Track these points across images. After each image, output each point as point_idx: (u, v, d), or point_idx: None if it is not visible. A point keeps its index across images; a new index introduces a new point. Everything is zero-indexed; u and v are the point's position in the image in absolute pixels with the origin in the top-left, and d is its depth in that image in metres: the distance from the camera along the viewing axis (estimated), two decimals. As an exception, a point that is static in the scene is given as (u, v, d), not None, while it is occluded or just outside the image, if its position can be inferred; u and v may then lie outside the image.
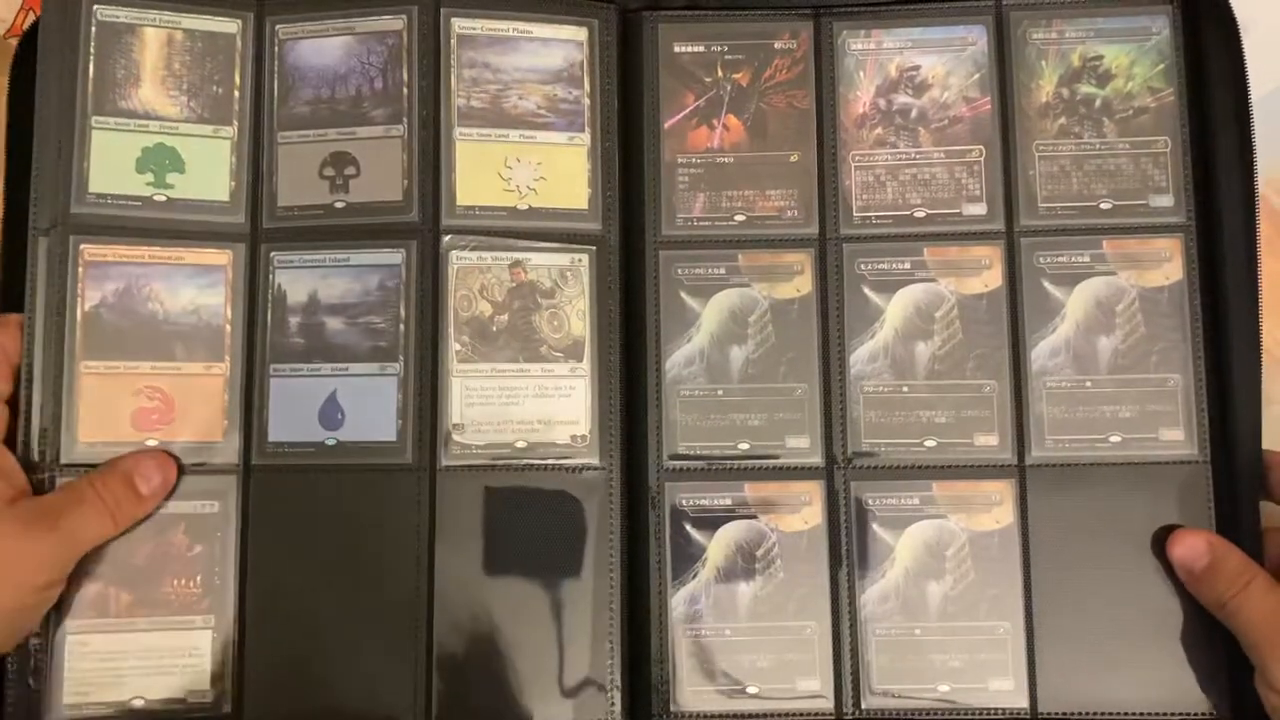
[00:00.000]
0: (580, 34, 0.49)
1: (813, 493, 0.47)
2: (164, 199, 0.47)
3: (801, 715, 0.45)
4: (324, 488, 0.46)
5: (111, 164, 0.47)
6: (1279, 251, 0.51)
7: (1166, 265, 0.47)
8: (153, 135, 0.48)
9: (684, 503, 0.47)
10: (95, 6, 0.48)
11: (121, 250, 0.47)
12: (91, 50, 0.48)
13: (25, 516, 0.42)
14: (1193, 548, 0.45)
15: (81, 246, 0.46)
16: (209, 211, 0.47)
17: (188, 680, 0.45)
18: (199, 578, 0.46)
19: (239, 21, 0.49)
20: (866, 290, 0.48)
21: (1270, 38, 0.49)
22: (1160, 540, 0.45)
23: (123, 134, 0.48)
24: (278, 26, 0.49)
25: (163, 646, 0.45)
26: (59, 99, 0.47)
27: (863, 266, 0.48)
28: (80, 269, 0.46)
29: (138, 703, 0.45)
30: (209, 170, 0.48)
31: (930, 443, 0.47)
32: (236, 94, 0.48)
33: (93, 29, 0.48)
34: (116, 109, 0.48)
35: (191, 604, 0.46)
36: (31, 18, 0.55)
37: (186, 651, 0.45)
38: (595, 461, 0.47)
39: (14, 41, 0.49)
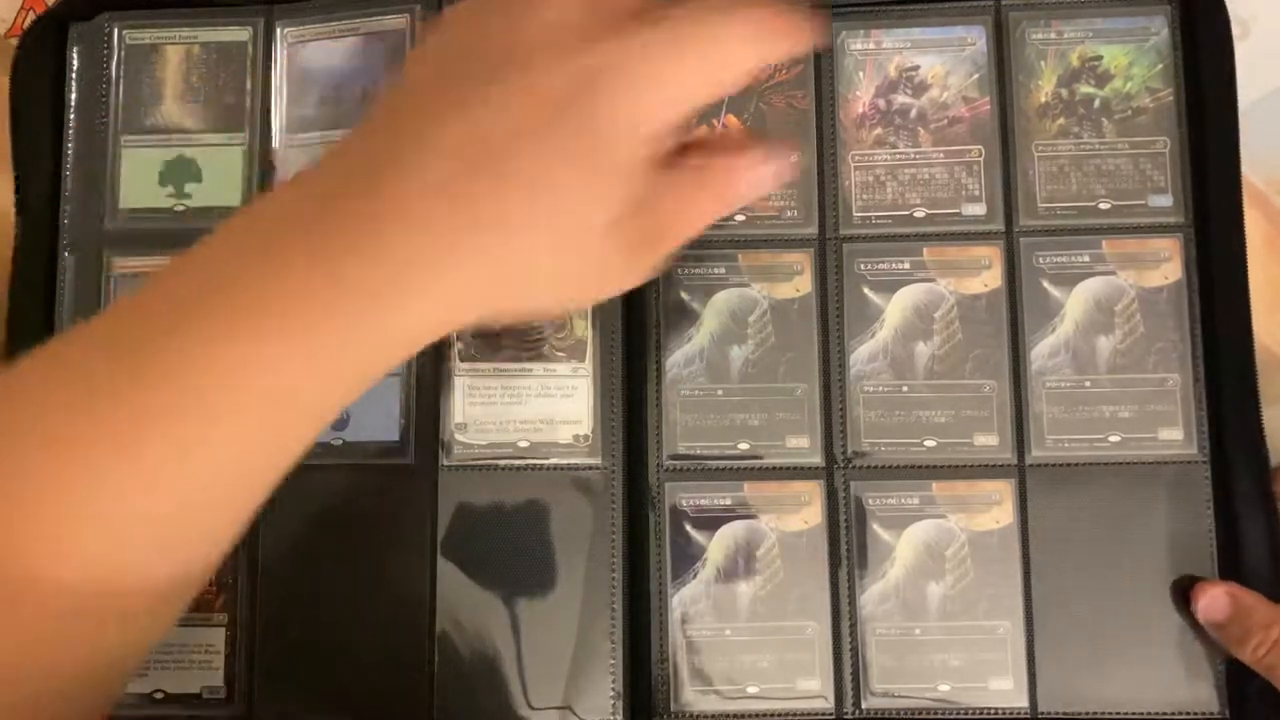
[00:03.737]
0: (581, 33, 0.49)
1: (812, 493, 0.47)
2: (183, 209, 0.48)
3: (801, 715, 0.46)
4: (331, 488, 0.46)
5: (138, 180, 0.49)
6: (1279, 251, 0.51)
7: (1165, 265, 0.47)
8: (174, 148, 0.49)
9: (684, 503, 0.47)
10: (125, 31, 0.49)
11: (147, 262, 0.48)
12: (122, 74, 0.49)
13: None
14: (1212, 600, 0.44)
15: (114, 261, 0.48)
16: (222, 218, 0.48)
17: (204, 675, 0.46)
18: (215, 575, 0.46)
19: (250, 29, 0.49)
20: (866, 290, 0.48)
21: (1270, 38, 0.49)
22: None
23: (148, 150, 0.49)
24: (286, 30, 0.49)
25: (182, 642, 0.46)
26: (88, 122, 0.49)
27: (862, 266, 0.48)
28: (112, 283, 0.48)
29: (158, 695, 0.46)
30: (223, 178, 0.49)
31: (930, 442, 0.47)
32: (248, 101, 0.49)
33: (122, 53, 0.49)
34: (142, 126, 0.49)
35: (208, 601, 0.46)
36: (32, 17, 0.55)
37: (204, 648, 0.46)
38: (597, 461, 0.47)
39: (14, 41, 0.50)
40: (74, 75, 0.49)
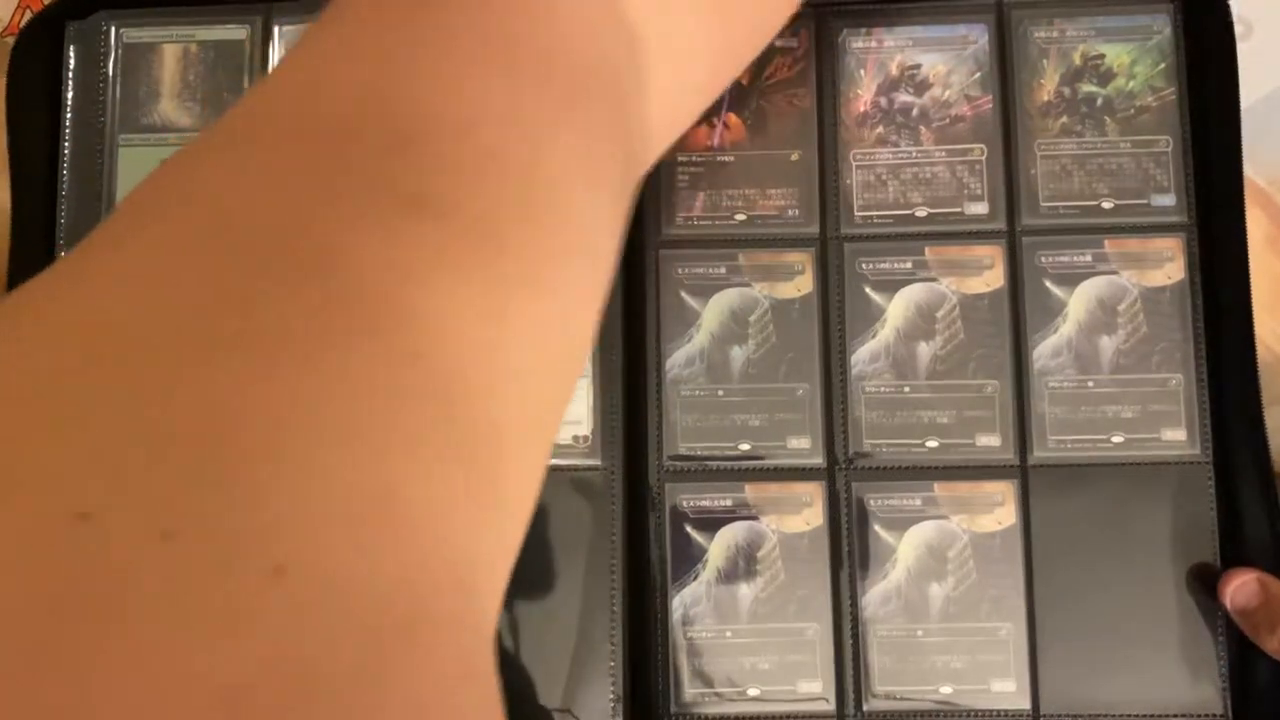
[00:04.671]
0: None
1: (814, 493, 0.47)
2: None
3: (803, 717, 0.45)
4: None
5: (135, 178, 0.48)
6: (1281, 250, 0.51)
7: (1169, 265, 0.47)
8: (170, 147, 0.49)
9: (684, 504, 0.47)
10: (122, 30, 0.49)
11: None
12: (119, 72, 0.49)
13: None
14: (1243, 586, 0.43)
15: None
16: None
17: None
18: None
19: (248, 27, 0.49)
20: (867, 290, 0.47)
21: (1270, 38, 0.49)
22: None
23: (145, 149, 0.49)
24: (284, 28, 0.49)
25: None
26: (85, 120, 0.49)
27: (864, 266, 0.48)
28: None
29: None
30: None
31: (932, 443, 0.47)
32: None
33: (119, 52, 0.49)
34: (139, 125, 0.49)
35: None
36: (29, 16, 0.55)
37: None
38: (597, 462, 0.46)
39: (11, 40, 0.49)
40: (71, 74, 0.49)
